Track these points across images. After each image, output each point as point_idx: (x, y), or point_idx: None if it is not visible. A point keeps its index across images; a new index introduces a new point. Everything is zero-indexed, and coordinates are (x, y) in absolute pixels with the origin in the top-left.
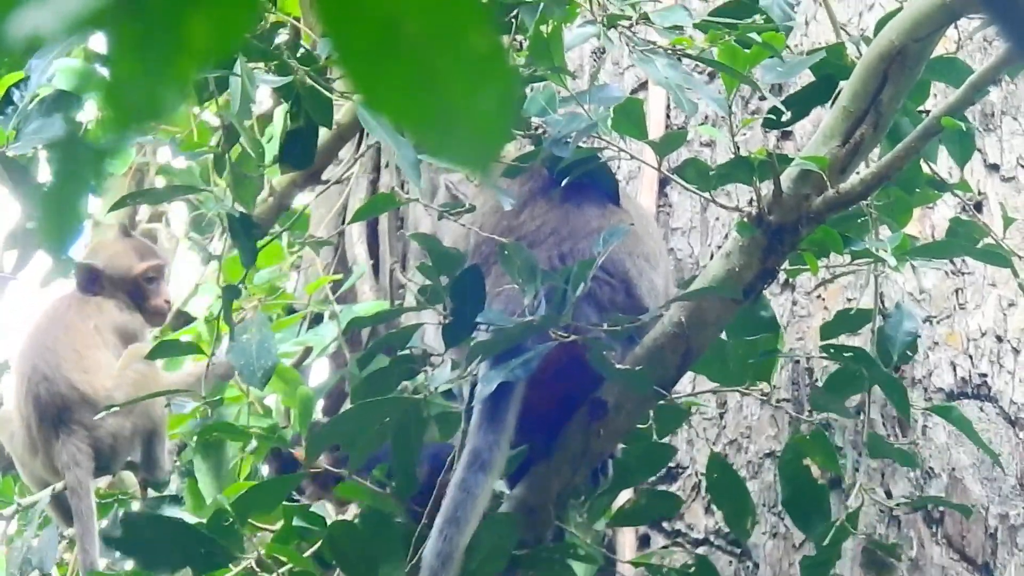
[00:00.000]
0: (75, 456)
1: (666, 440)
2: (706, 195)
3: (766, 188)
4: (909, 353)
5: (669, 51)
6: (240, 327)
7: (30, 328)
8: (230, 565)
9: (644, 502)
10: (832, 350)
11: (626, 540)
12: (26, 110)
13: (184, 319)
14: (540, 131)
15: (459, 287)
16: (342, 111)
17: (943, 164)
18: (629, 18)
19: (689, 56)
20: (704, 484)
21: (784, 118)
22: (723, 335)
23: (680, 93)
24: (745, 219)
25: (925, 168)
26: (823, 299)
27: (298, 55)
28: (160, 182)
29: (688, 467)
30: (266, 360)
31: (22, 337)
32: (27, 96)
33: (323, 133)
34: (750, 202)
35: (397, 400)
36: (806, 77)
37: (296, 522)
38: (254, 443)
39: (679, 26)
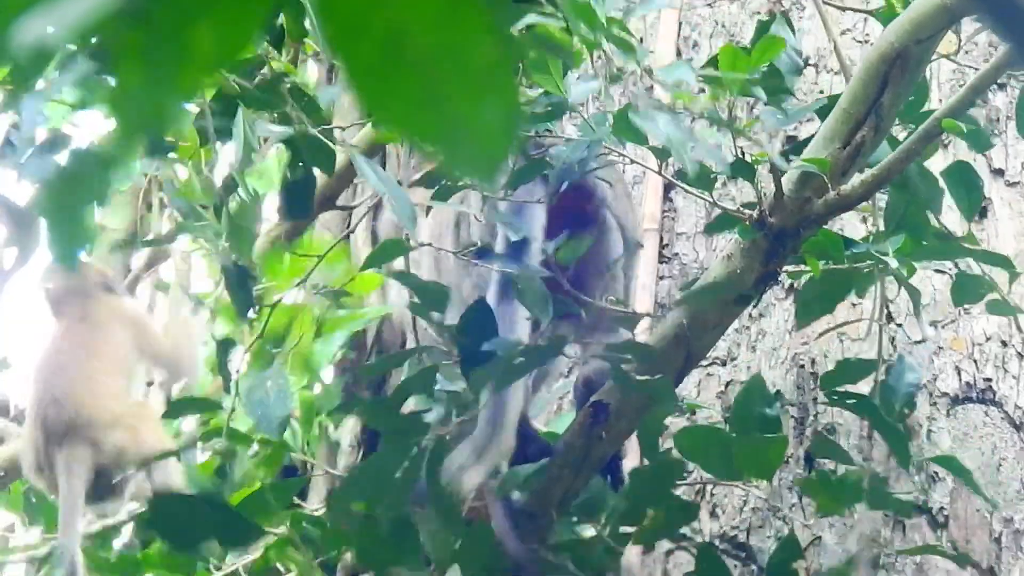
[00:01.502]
0: (71, 466)
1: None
2: (709, 199)
3: (767, 192)
4: (907, 409)
5: (671, 108)
6: (258, 378)
7: (46, 344)
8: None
9: (665, 516)
10: (835, 397)
11: (631, 548)
12: (23, 151)
13: None
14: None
15: (468, 322)
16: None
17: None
18: (632, 73)
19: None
20: (709, 489)
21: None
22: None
23: (682, 151)
24: (746, 222)
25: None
26: None
27: (301, 104)
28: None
29: (693, 471)
30: (283, 410)
31: (38, 353)
32: (23, 136)
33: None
34: (750, 205)
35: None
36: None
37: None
38: (256, 447)
39: (682, 82)
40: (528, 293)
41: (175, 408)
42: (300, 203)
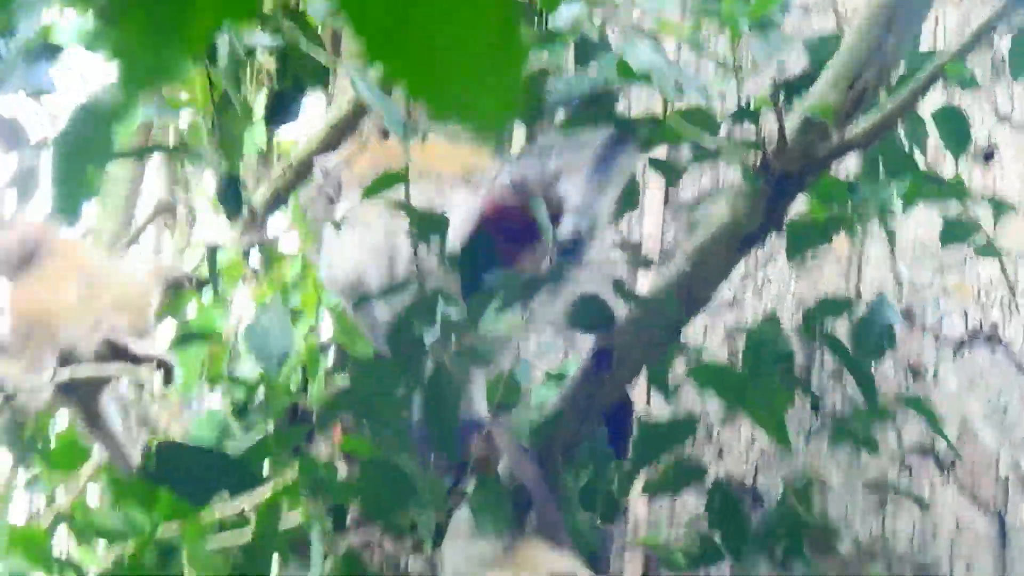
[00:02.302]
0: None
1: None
2: (711, 144)
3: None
4: (884, 345)
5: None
6: (259, 310)
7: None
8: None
9: (672, 473)
10: (808, 331)
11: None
12: (11, 59)
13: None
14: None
15: (468, 254)
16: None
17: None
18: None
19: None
20: (716, 430)
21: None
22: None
23: (663, 79)
24: (749, 167)
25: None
26: (832, 246)
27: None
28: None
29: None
30: (284, 345)
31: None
32: (12, 46)
33: (345, 107)
34: (754, 150)
35: (433, 375)
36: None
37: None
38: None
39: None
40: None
41: (180, 340)
42: (287, 111)
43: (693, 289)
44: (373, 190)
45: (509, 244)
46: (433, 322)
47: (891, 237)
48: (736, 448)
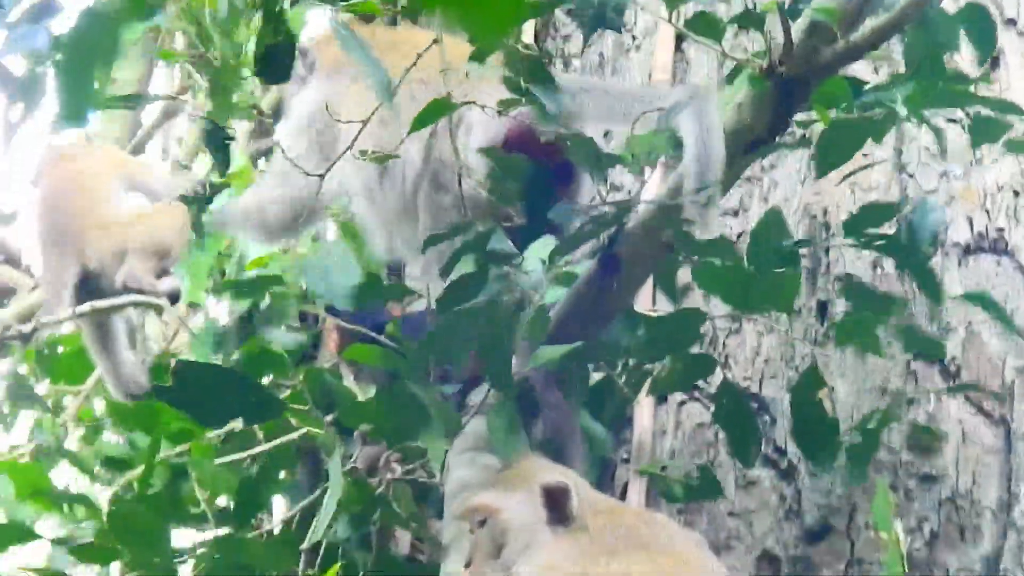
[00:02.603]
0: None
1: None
2: (719, 48)
3: (777, 41)
4: (932, 248)
5: None
6: (317, 248)
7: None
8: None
9: (681, 367)
10: (863, 239)
11: (644, 399)
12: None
13: None
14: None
15: (532, 189)
16: None
17: None
18: None
19: None
20: (721, 339)
21: None
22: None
23: None
24: (756, 71)
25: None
26: None
27: None
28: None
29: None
30: (350, 279)
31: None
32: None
33: None
34: (761, 55)
35: (487, 307)
36: None
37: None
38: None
39: None
40: None
41: (243, 287)
42: (278, 67)
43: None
44: (422, 121)
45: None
46: (490, 257)
47: (939, 135)
48: (742, 357)
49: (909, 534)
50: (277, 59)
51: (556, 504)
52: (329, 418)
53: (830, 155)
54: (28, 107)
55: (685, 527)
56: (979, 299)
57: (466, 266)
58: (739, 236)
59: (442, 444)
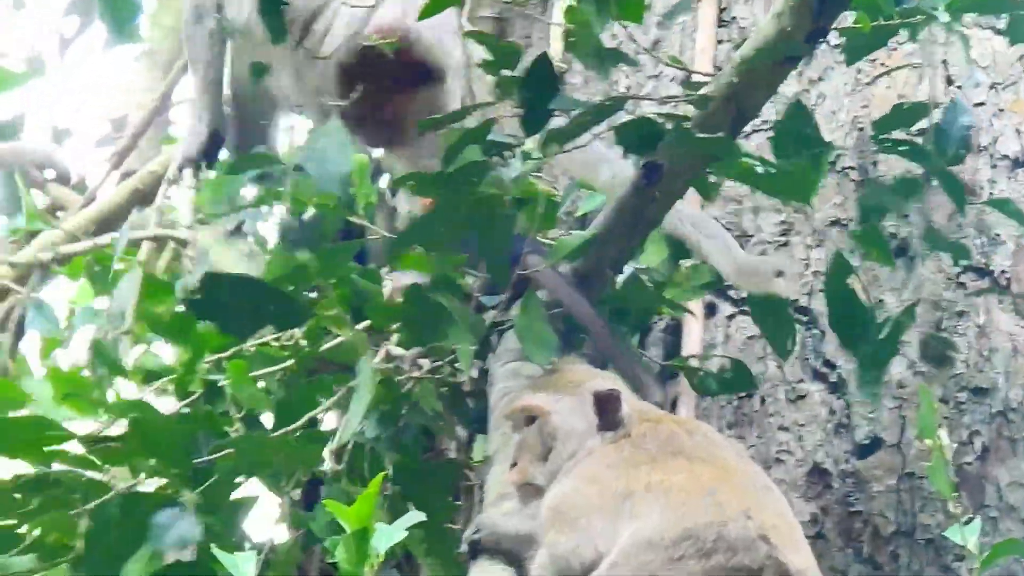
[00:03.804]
0: None
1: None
2: None
3: None
4: (962, 152)
5: None
6: (314, 133)
7: None
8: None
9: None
10: (888, 144)
11: (693, 311)
12: None
13: None
14: None
15: (531, 78)
16: None
17: None
18: None
19: None
20: (769, 251)
21: None
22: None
23: None
24: None
25: None
26: (886, 65)
27: None
28: None
29: (753, 235)
30: (342, 165)
31: None
32: None
33: None
34: None
35: (482, 196)
36: None
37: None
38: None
39: None
40: None
41: (240, 163)
42: None
43: (741, 102)
44: (428, 12)
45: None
46: (486, 146)
47: (964, 41)
48: (791, 270)
49: (960, 448)
50: None
51: (606, 410)
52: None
53: (861, 46)
54: (82, 22)
55: (729, 438)
56: (1000, 205)
57: (471, 154)
58: None
59: (468, 343)
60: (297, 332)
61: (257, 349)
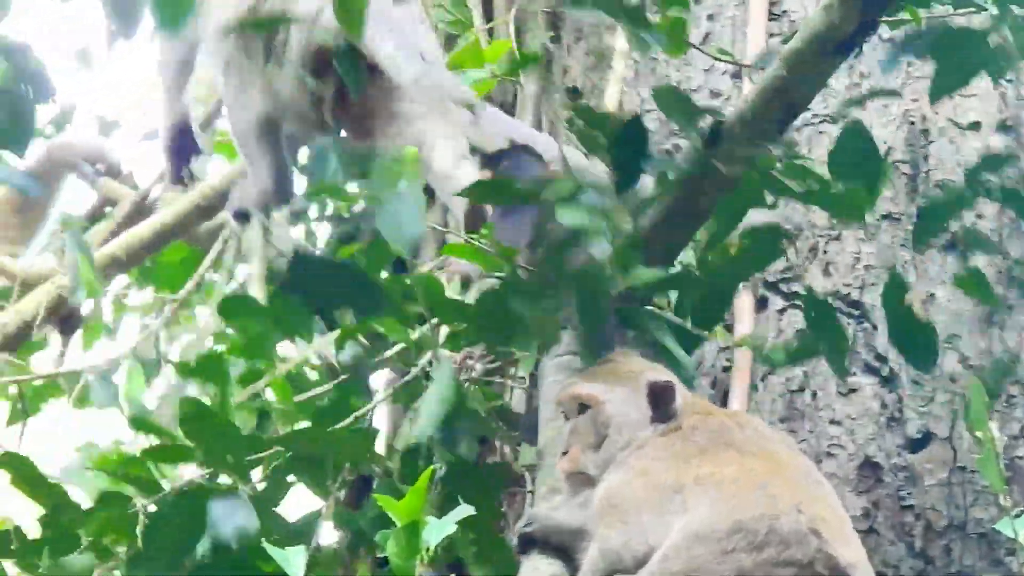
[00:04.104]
0: None
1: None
2: None
3: None
4: None
5: None
6: (389, 195)
7: None
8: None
9: (749, 243)
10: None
11: (744, 305)
12: None
13: None
14: None
15: (623, 140)
16: None
17: None
18: None
19: None
20: (821, 246)
21: None
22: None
23: None
24: None
25: None
26: None
27: None
28: None
29: (804, 229)
30: (415, 229)
31: None
32: None
33: None
34: None
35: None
36: None
37: None
38: None
39: None
40: None
41: (311, 193)
42: None
43: (790, 95)
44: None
45: None
46: (587, 215)
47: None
48: (842, 264)
49: (1011, 441)
50: None
51: (660, 402)
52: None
53: (948, 76)
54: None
55: (780, 431)
56: None
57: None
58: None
59: (533, 352)
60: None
61: (291, 372)
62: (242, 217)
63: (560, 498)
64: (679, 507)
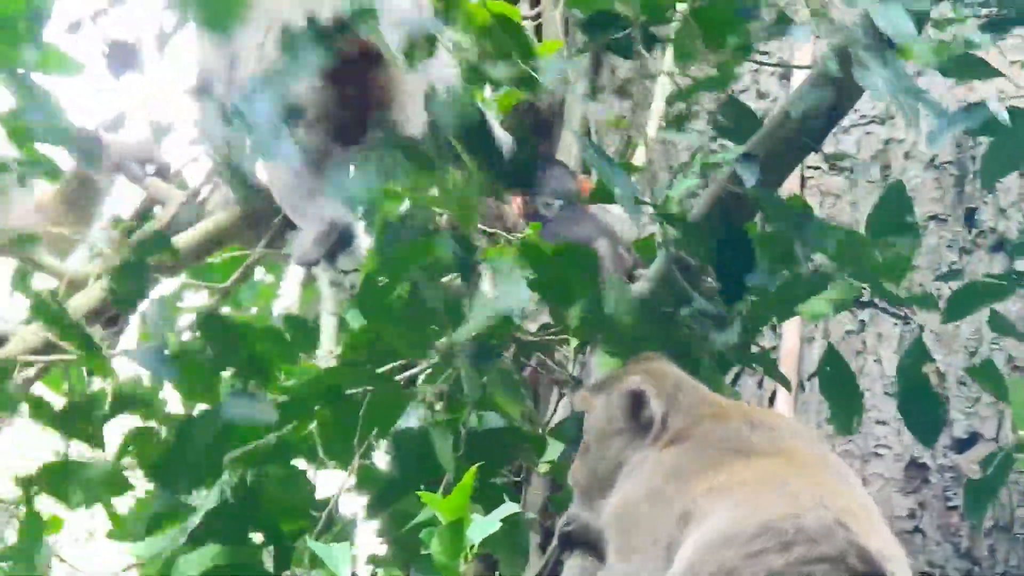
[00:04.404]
0: None
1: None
2: None
3: None
4: None
5: None
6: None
7: None
8: None
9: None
10: None
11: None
12: None
13: None
14: None
15: (726, 251)
16: None
17: None
18: None
19: None
20: None
21: None
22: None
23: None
24: None
25: None
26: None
27: None
28: None
29: (851, 226)
30: (522, 302)
31: None
32: None
33: None
34: None
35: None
36: None
37: None
38: None
39: None
40: None
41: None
42: None
43: (839, 92)
44: None
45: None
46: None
47: None
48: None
49: None
50: None
51: (636, 410)
52: None
53: (994, 167)
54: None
55: (798, 422)
56: None
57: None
58: (886, 143)
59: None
60: None
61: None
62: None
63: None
64: (691, 522)
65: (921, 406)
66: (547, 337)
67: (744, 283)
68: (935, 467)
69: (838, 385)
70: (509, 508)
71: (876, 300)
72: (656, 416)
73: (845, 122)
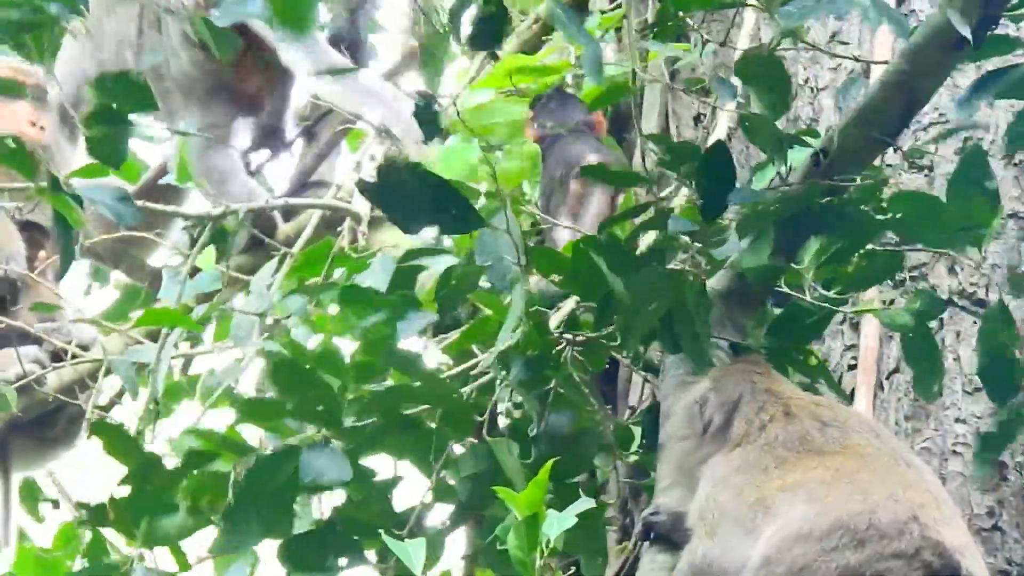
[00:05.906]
0: None
1: None
2: None
3: None
4: None
5: None
6: (487, 232)
7: None
8: None
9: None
10: None
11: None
12: None
13: None
14: None
15: (709, 168)
16: None
17: None
18: None
19: None
20: None
21: None
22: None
23: None
24: None
25: None
26: None
27: None
28: None
29: None
30: (513, 267)
31: None
32: None
33: None
34: None
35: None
36: None
37: None
38: None
39: None
40: None
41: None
42: (490, 36)
43: (912, 89)
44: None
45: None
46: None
47: None
48: (968, 263)
49: None
50: (490, 29)
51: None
52: None
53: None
54: None
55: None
56: None
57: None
58: (965, 141)
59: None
60: None
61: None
62: None
63: (679, 491)
64: (767, 516)
65: (998, 366)
66: (591, 336)
67: (725, 200)
68: (1013, 464)
69: (920, 350)
70: (585, 503)
71: (955, 299)
72: (713, 424)
73: (923, 120)
